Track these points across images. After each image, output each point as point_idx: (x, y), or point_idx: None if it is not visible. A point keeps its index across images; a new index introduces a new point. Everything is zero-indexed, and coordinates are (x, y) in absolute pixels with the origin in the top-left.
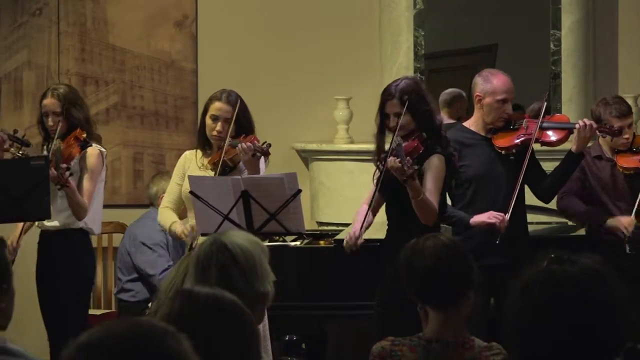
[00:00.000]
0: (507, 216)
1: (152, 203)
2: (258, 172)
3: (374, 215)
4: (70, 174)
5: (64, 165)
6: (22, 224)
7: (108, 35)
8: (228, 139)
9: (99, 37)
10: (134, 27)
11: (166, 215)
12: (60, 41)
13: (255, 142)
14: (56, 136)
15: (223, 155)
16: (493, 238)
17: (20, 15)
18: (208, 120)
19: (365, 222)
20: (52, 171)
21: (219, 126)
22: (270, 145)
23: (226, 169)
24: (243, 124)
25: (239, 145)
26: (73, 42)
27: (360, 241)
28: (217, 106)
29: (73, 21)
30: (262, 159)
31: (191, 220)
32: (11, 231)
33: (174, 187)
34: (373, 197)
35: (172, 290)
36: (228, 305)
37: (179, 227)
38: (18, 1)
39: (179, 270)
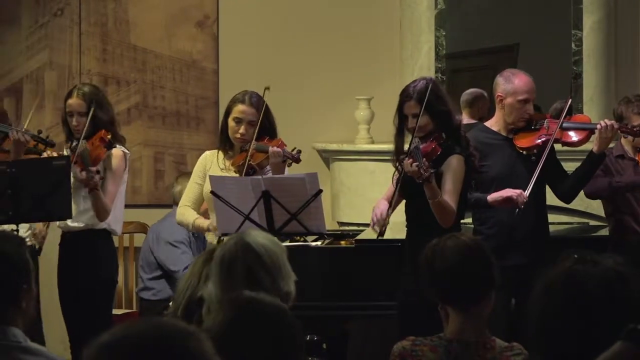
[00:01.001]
0: (527, 193)
1: (175, 202)
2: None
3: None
4: (101, 178)
5: (94, 169)
6: None
7: (129, 36)
8: (254, 143)
9: (120, 37)
10: (155, 27)
11: (187, 213)
12: (81, 41)
13: (285, 147)
14: (82, 137)
15: (248, 159)
16: (513, 216)
17: (41, 16)
18: (231, 123)
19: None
20: (81, 174)
21: (242, 129)
22: (300, 151)
23: (250, 171)
24: (266, 126)
25: (270, 148)
26: (94, 42)
27: (388, 220)
28: (240, 109)
29: (94, 21)
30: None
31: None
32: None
33: (194, 187)
34: (393, 197)
35: (189, 290)
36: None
37: (205, 220)
38: (40, 1)
39: (194, 270)
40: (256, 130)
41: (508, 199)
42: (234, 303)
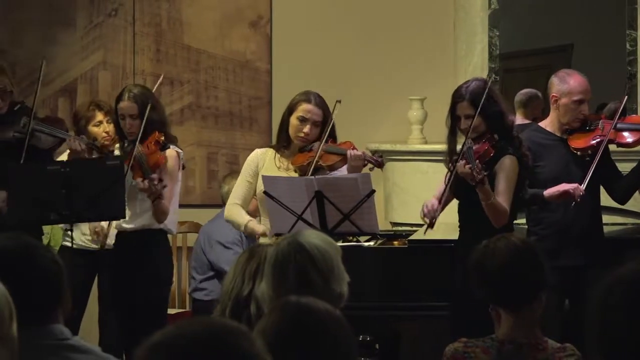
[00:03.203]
0: (583, 187)
1: (224, 202)
2: None
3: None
4: (164, 186)
5: (155, 176)
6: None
7: (183, 36)
8: (323, 144)
9: (174, 37)
10: (208, 27)
11: (236, 212)
12: (135, 41)
13: (364, 151)
14: (138, 141)
15: (317, 160)
16: (567, 216)
17: (96, 16)
18: (294, 121)
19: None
20: (143, 183)
21: (307, 128)
22: (382, 156)
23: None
24: (331, 129)
25: (348, 152)
26: (148, 42)
27: (438, 214)
28: (306, 108)
29: (148, 22)
30: None
31: (265, 221)
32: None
33: (244, 184)
34: (443, 195)
35: (234, 290)
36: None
37: (259, 225)
38: (94, 2)
39: (237, 270)
40: (326, 131)
41: (565, 193)
42: (283, 311)
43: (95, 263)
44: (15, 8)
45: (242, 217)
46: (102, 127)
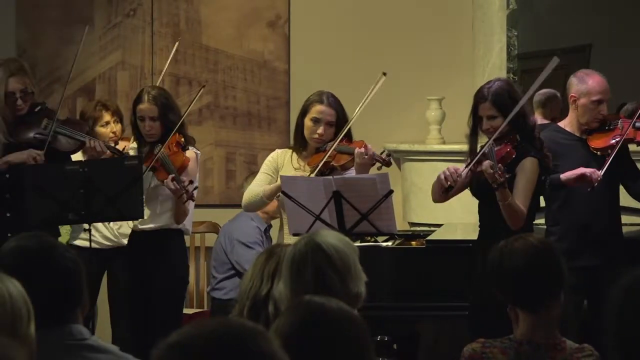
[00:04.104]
0: (601, 172)
1: None
2: None
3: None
4: (196, 187)
5: (185, 179)
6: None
7: (201, 36)
8: (336, 144)
9: (192, 37)
10: (227, 27)
11: (250, 191)
12: (153, 42)
13: (373, 150)
14: (164, 144)
15: (327, 158)
16: (585, 190)
17: (114, 16)
18: (308, 122)
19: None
20: (173, 183)
21: (320, 129)
22: (390, 154)
23: (326, 171)
24: (347, 129)
25: (355, 150)
26: (166, 42)
27: (460, 179)
28: (319, 109)
29: (166, 22)
30: None
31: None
32: None
33: (264, 177)
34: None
35: (253, 290)
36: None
37: (271, 185)
38: (112, 2)
39: (256, 270)
40: (342, 132)
41: (582, 176)
42: (297, 310)
43: (104, 262)
44: (33, 8)
45: (260, 189)
46: (109, 128)
